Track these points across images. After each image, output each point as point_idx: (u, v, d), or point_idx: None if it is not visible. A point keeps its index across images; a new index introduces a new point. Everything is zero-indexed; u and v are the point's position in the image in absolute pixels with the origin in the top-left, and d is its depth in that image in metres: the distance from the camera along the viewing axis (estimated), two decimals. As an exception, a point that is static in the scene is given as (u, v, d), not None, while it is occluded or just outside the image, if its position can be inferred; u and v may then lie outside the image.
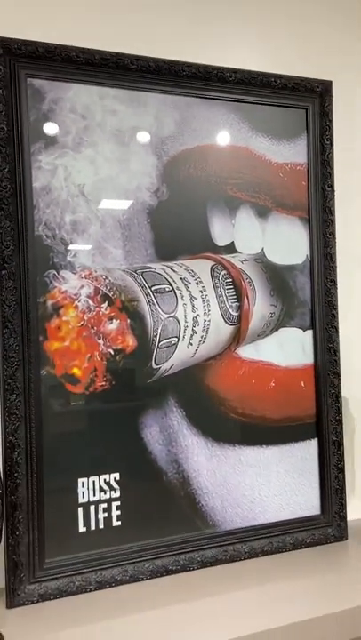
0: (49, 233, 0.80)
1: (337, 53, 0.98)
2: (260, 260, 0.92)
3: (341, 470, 0.96)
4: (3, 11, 0.79)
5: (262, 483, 0.91)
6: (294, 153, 0.93)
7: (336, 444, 0.95)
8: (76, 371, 0.81)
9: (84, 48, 0.80)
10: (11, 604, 0.77)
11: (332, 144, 0.95)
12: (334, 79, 0.96)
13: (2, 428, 0.77)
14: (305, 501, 0.94)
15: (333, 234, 0.95)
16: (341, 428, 0.96)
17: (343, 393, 0.98)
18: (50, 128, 0.80)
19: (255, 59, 0.93)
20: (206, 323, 0.88)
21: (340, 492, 0.95)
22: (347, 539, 0.96)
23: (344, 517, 0.96)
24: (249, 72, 0.89)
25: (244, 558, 0.89)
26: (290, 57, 0.96)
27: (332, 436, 0.95)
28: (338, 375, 0.96)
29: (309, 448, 0.94)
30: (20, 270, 0.78)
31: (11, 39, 0.77)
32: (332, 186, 0.95)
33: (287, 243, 0.93)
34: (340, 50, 0.99)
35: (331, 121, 0.95)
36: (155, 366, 0.85)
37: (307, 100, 0.94)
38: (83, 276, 0.81)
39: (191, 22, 0.90)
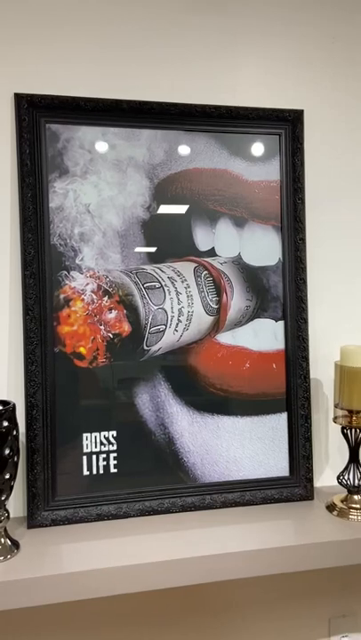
0: (62, 242, 1.03)
1: (309, 84, 1.14)
2: (238, 262, 1.11)
3: (308, 440, 1.12)
4: (26, 72, 1.02)
5: (237, 446, 1.10)
6: (269, 172, 1.11)
7: (304, 418, 1.12)
8: (82, 349, 1.04)
9: (89, 97, 1.02)
10: (29, 526, 1.01)
11: (302, 163, 1.12)
12: (306, 105, 1.12)
13: (24, 391, 1.01)
14: (275, 464, 1.12)
15: (303, 239, 1.12)
16: (309, 404, 1.13)
17: (312, 375, 1.14)
18: (63, 161, 1.03)
19: (235, 94, 1.11)
20: (190, 313, 1.08)
21: (308, 458, 1.12)
22: (313, 499, 1.12)
23: (310, 480, 1.12)
24: (228, 107, 1.08)
25: (219, 507, 1.08)
26: (267, 91, 1.13)
27: (301, 410, 1.12)
28: (306, 359, 1.12)
29: (280, 420, 1.12)
30: (39, 271, 1.02)
31: (34, 95, 1.01)
32: (302, 198, 1.12)
33: (261, 247, 1.11)
34: (312, 80, 1.15)
35: (302, 143, 1.12)
36: (146, 348, 1.06)
37: (280, 127, 1.11)
38: (88, 275, 1.04)
39: (177, 70, 1.09)
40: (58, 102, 1.02)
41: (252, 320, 1.11)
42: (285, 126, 1.11)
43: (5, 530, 0.94)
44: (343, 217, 1.17)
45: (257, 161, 1.11)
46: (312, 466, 1.13)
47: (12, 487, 0.93)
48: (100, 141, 1.04)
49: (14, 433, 0.92)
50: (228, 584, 1.13)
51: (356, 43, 1.16)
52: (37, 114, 1.01)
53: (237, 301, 1.10)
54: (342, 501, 1.08)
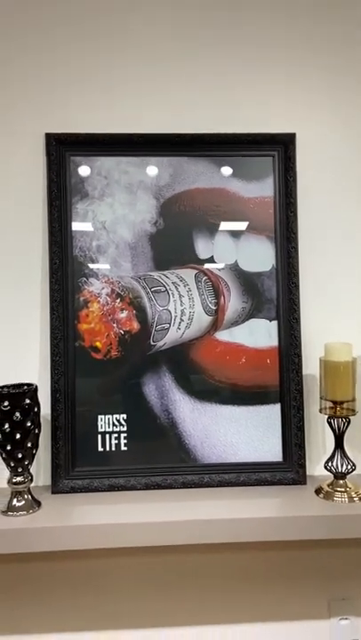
0: (82, 254, 1.23)
1: (301, 108, 1.28)
2: (235, 268, 1.25)
3: (301, 429, 1.23)
4: (54, 115, 1.25)
5: (234, 433, 1.24)
6: (263, 189, 1.26)
7: (296, 409, 1.24)
8: (98, 344, 1.23)
9: (105, 133, 1.23)
10: (53, 491, 1.20)
11: (294, 180, 1.25)
12: (299, 127, 1.26)
13: (50, 377, 1.21)
14: (269, 450, 1.24)
15: (295, 248, 1.25)
16: (301, 396, 1.24)
17: (306, 371, 1.26)
18: (84, 187, 1.24)
19: (233, 121, 1.26)
20: (191, 314, 1.24)
21: (300, 446, 1.23)
22: (305, 484, 1.23)
23: (303, 465, 1.23)
24: (225, 134, 1.25)
25: (216, 486, 1.21)
26: (263, 115, 1.27)
27: (293, 402, 1.24)
28: (298, 355, 1.24)
29: (274, 410, 1.24)
30: (63, 278, 1.22)
31: (61, 134, 1.23)
32: (294, 211, 1.25)
33: (256, 255, 1.25)
34: (304, 104, 1.28)
35: (294, 163, 1.25)
36: (152, 343, 1.23)
37: (273, 149, 1.26)
38: (103, 281, 1.23)
39: (179, 104, 1.27)
40: (81, 139, 1.23)
41: (247, 320, 1.25)
42: (278, 148, 1.26)
43: (29, 489, 1.14)
44: (333, 227, 1.29)
45: (252, 179, 1.26)
46: (304, 453, 1.23)
47: (33, 455, 1.13)
48: (115, 169, 1.24)
49: (35, 409, 1.12)
50: (229, 563, 1.26)
51: (345, 73, 1.28)
52: (63, 149, 1.23)
53: (234, 303, 1.25)
54: (329, 485, 1.18)
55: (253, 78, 1.27)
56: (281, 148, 1.26)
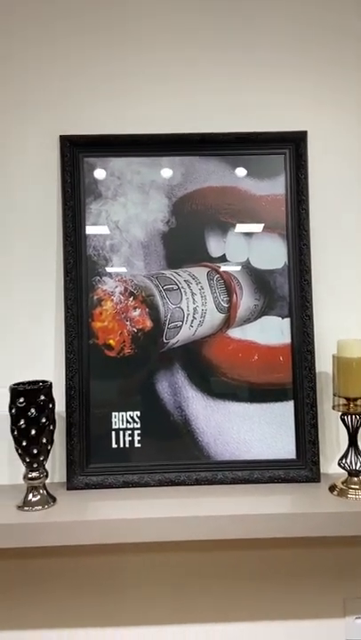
0: (95, 253, 1.25)
1: (313, 104, 1.28)
2: (247, 266, 1.26)
3: (314, 427, 1.23)
4: (68, 117, 1.27)
5: (247, 430, 1.24)
6: (275, 187, 1.26)
7: (309, 406, 1.24)
8: (111, 342, 1.24)
9: (117, 134, 1.25)
10: (68, 488, 1.22)
11: (306, 177, 1.26)
12: (312, 123, 1.26)
13: (65, 375, 1.23)
14: (283, 447, 1.24)
15: (307, 245, 1.25)
16: (314, 393, 1.24)
17: (320, 368, 1.25)
18: (97, 187, 1.26)
19: (244, 120, 1.27)
20: (203, 312, 1.25)
21: (313, 443, 1.23)
22: (319, 481, 1.23)
23: (317, 463, 1.22)
24: (236, 133, 1.25)
25: (229, 483, 1.22)
26: (274, 113, 1.28)
27: (306, 399, 1.24)
28: (311, 352, 1.24)
29: (287, 407, 1.24)
30: (77, 277, 1.24)
31: (74, 135, 1.25)
32: (306, 208, 1.25)
33: (268, 253, 1.26)
34: (316, 101, 1.28)
35: (305, 160, 1.26)
36: (165, 341, 1.24)
37: (285, 147, 1.26)
38: (117, 280, 1.25)
39: (190, 103, 1.29)
40: (93, 140, 1.25)
41: (260, 317, 1.25)
42: (290, 146, 1.26)
43: (44, 485, 1.15)
44: (345, 224, 1.28)
45: (264, 177, 1.26)
46: (318, 450, 1.23)
47: (48, 451, 1.15)
48: (127, 169, 1.26)
49: (50, 406, 1.14)
50: (243, 560, 1.26)
51: (358, 68, 1.28)
52: (77, 150, 1.25)
53: (246, 301, 1.25)
54: (343, 483, 1.18)
55: (264, 76, 1.28)
56: (292, 145, 1.26)
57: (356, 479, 1.17)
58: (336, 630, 1.27)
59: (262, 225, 1.26)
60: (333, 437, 1.28)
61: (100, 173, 1.26)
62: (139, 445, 1.23)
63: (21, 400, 1.11)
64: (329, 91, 1.29)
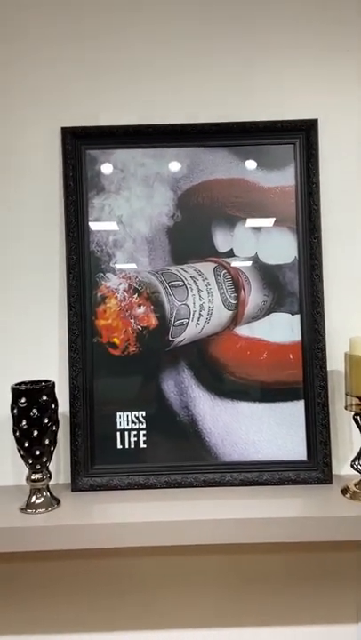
0: (99, 249, 1.21)
1: (323, 92, 1.23)
2: (255, 261, 1.22)
3: (325, 427, 1.19)
4: (70, 109, 1.23)
5: (256, 430, 1.20)
6: (284, 178, 1.21)
7: (320, 405, 1.19)
8: (115, 340, 1.21)
9: (120, 125, 1.20)
10: (73, 489, 1.19)
11: (317, 168, 1.21)
12: (321, 113, 1.21)
13: (69, 374, 1.20)
14: (293, 448, 1.20)
15: (318, 238, 1.20)
16: (326, 392, 1.19)
17: (332, 366, 1.21)
18: (100, 181, 1.22)
19: (251, 108, 1.22)
20: (210, 308, 1.21)
21: (325, 444, 1.19)
22: (331, 483, 1.18)
23: (328, 464, 1.18)
24: (243, 122, 1.21)
25: (238, 485, 1.18)
26: (283, 102, 1.23)
27: (318, 399, 1.19)
28: (322, 350, 1.20)
29: (297, 407, 1.20)
30: (81, 273, 1.21)
31: (75, 127, 1.21)
32: (317, 201, 1.21)
33: (277, 247, 1.21)
34: (328, 89, 1.23)
35: (316, 150, 1.21)
36: (171, 339, 1.21)
37: (294, 136, 1.21)
38: (121, 276, 1.21)
39: (195, 90, 1.24)
40: (95, 132, 1.21)
41: (268, 314, 1.21)
42: (300, 135, 1.21)
43: (48, 487, 1.13)
44: (358, 217, 1.23)
45: (272, 168, 1.22)
46: (330, 451, 1.19)
47: (51, 452, 1.12)
48: (131, 162, 1.22)
49: (53, 406, 1.11)
50: (253, 564, 1.23)
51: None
52: (78, 142, 1.21)
53: (255, 297, 1.21)
54: (356, 485, 1.13)
55: (272, 63, 1.23)
56: (302, 134, 1.21)
57: (369, 482, 1.12)
58: (349, 636, 1.23)
59: (272, 219, 1.21)
60: (346, 438, 1.24)
61: (102, 166, 1.22)
62: (144, 446, 1.20)
63: (23, 400, 1.08)
64: (341, 78, 1.23)
